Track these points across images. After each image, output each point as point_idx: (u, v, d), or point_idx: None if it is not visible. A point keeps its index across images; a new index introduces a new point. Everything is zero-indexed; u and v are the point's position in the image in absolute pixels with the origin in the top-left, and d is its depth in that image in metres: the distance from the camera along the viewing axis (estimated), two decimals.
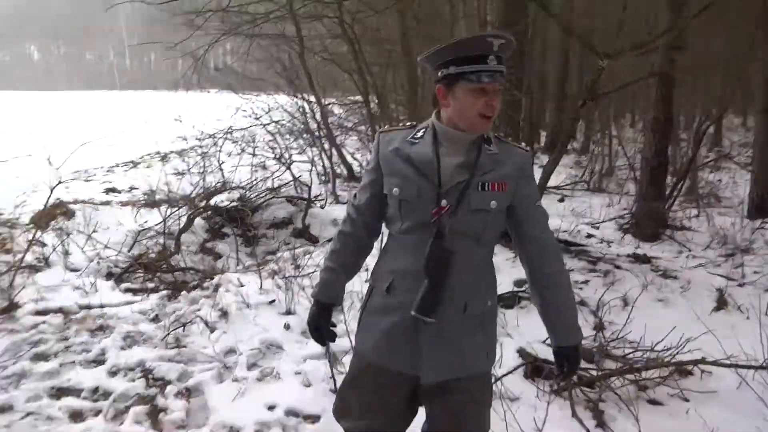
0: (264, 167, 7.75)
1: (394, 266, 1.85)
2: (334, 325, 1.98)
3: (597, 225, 6.63)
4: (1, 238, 5.43)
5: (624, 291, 4.27)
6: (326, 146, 8.95)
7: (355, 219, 1.94)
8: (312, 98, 8.63)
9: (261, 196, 6.55)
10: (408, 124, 1.94)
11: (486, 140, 1.80)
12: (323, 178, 8.85)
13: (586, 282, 4.50)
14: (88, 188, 8.67)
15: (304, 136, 8.80)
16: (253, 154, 7.36)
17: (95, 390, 3.12)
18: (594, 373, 3.15)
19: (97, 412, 2.92)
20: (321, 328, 1.94)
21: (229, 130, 7.73)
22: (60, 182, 4.68)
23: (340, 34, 6.89)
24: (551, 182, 9.62)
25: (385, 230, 1.96)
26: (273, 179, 7.06)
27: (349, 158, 9.30)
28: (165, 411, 2.95)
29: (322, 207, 7.11)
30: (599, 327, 3.75)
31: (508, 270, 4.46)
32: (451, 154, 1.78)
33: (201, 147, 7.69)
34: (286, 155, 8.19)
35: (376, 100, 7.66)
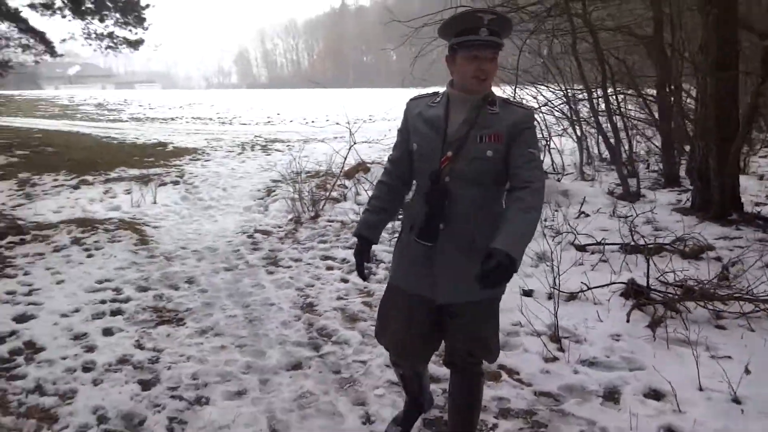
0: None
1: (416, 209, 2.14)
2: (370, 260, 2.31)
3: None
4: (324, 180, 8.21)
5: None
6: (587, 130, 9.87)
7: (390, 171, 2.28)
8: (576, 86, 9.57)
9: None
10: (432, 92, 2.21)
11: (490, 102, 2.05)
12: (585, 159, 9.78)
13: (747, 247, 4.80)
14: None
15: (566, 120, 9.83)
16: None
17: (343, 259, 5.24)
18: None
19: (340, 269, 5.00)
20: (361, 264, 2.25)
21: None
22: (354, 144, 7.06)
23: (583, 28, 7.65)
24: None
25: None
26: None
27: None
28: (374, 275, 4.85)
29: (558, 180, 8.22)
30: (723, 276, 4.27)
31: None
32: (459, 113, 2.06)
33: None
34: (546, 135, 9.48)
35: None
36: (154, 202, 7.56)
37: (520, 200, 1.94)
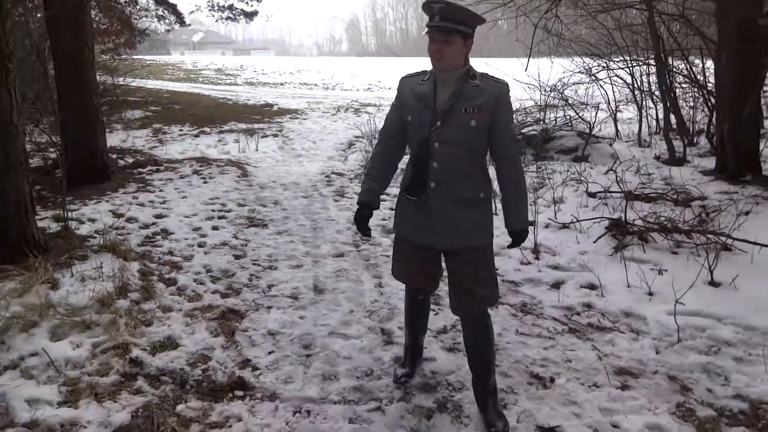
0: (574, 111, 9.80)
1: (407, 171, 2.46)
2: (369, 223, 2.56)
3: None
4: None
5: None
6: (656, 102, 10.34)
7: (384, 141, 2.52)
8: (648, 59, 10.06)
9: (556, 128, 8.90)
10: (421, 70, 2.48)
11: (471, 76, 2.30)
12: (655, 129, 10.29)
13: (736, 200, 5.50)
14: None
15: (636, 91, 10.35)
16: (567, 103, 9.60)
17: (394, 195, 6.50)
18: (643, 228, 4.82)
19: (392, 201, 6.28)
20: (363, 226, 2.52)
21: (562, 86, 10.02)
22: None
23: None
24: None
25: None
26: (572, 119, 9.23)
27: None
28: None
29: (610, 144, 8.93)
30: (701, 220, 5.07)
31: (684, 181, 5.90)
32: (445, 88, 2.32)
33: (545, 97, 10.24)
34: (612, 106, 10.15)
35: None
36: (256, 150, 9.21)
37: (509, 174, 2.40)
